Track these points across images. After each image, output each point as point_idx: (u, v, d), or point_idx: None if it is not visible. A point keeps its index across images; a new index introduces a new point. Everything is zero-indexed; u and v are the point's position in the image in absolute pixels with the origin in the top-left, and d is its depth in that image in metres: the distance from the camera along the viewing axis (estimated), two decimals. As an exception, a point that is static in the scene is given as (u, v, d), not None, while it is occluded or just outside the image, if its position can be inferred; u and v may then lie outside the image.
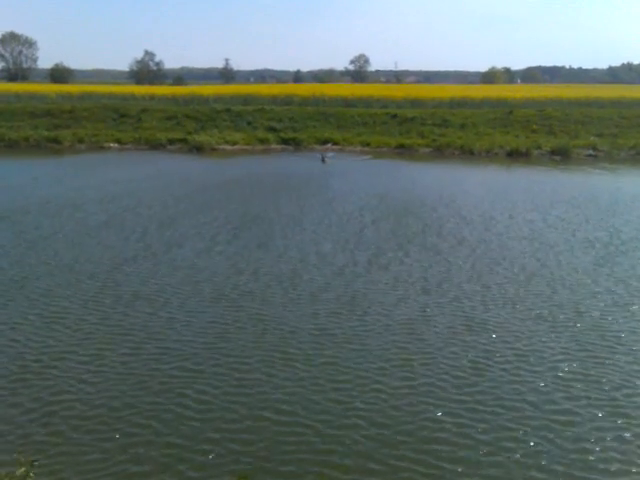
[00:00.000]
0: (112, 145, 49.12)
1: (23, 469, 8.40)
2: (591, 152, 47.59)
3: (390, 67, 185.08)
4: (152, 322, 14.43)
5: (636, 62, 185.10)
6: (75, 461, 9.39)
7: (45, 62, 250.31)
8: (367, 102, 64.27)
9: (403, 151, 48.06)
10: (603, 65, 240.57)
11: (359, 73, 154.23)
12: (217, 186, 32.48)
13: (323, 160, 41.53)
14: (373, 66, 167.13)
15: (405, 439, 9.99)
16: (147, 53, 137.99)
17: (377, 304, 15.66)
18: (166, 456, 9.52)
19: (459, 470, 9.24)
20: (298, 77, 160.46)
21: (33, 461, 8.80)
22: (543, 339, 13.68)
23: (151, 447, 9.73)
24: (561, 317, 14.94)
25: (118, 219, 24.43)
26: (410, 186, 33.21)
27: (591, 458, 9.55)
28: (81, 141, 49.40)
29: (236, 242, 21.37)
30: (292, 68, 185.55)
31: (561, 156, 46.22)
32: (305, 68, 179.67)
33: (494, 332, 14.01)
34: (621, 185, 34.79)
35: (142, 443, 9.82)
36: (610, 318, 14.93)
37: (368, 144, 49.61)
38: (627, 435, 10.14)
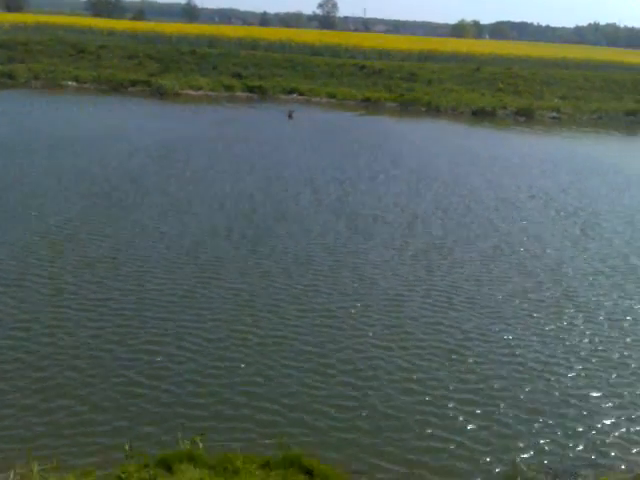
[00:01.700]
0: (70, 83, 47.16)
1: None
2: (555, 115, 48.02)
3: (359, 14, 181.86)
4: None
5: (602, 23, 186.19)
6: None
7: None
8: (335, 51, 63.15)
9: (369, 105, 47.56)
10: (570, 24, 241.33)
11: (327, 19, 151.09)
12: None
13: (290, 116, 39.53)
14: (342, 12, 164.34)
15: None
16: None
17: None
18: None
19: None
20: (265, 19, 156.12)
21: None
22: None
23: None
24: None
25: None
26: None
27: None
28: (37, 77, 47.23)
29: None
30: (259, 9, 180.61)
31: (525, 117, 46.54)
32: (272, 10, 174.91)
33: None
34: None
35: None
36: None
37: (334, 95, 48.91)
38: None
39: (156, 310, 12.76)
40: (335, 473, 8.42)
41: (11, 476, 8.05)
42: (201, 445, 8.75)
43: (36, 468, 8.12)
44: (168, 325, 12.16)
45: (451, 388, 10.69)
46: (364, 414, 9.88)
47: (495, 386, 10.84)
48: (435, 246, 17.51)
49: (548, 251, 17.67)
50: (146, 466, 8.27)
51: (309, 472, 8.38)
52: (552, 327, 13.11)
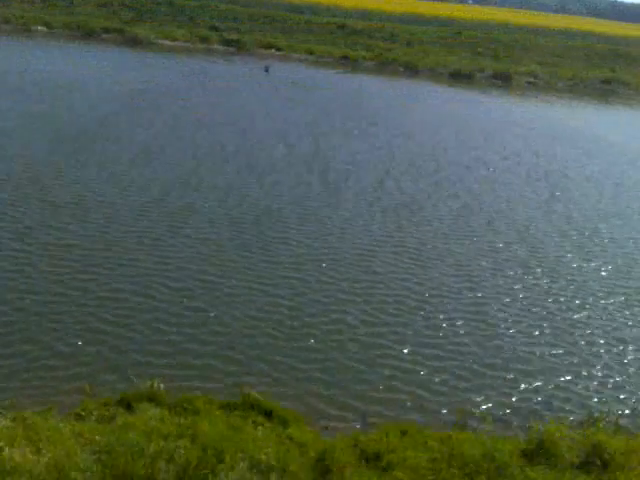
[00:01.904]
0: (40, 28, 45.63)
1: None
2: (531, 79, 48.01)
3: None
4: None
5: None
6: None
7: None
8: (315, 9, 62.12)
9: (346, 62, 46.94)
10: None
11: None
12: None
13: (266, 70, 39.39)
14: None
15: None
16: None
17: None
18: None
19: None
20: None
21: None
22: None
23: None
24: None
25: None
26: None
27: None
28: (7, 21, 45.62)
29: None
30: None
31: (502, 81, 46.44)
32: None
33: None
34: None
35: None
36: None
37: (312, 52, 48.17)
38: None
39: (122, 255, 12.63)
40: (293, 415, 8.51)
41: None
42: (162, 386, 8.76)
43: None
44: (133, 271, 12.05)
45: (413, 342, 10.82)
46: (324, 366, 9.96)
47: (457, 340, 11.00)
48: (405, 204, 17.51)
49: (517, 211, 17.83)
50: (106, 404, 8.27)
51: (268, 414, 8.45)
52: (518, 286, 13.30)
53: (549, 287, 13.38)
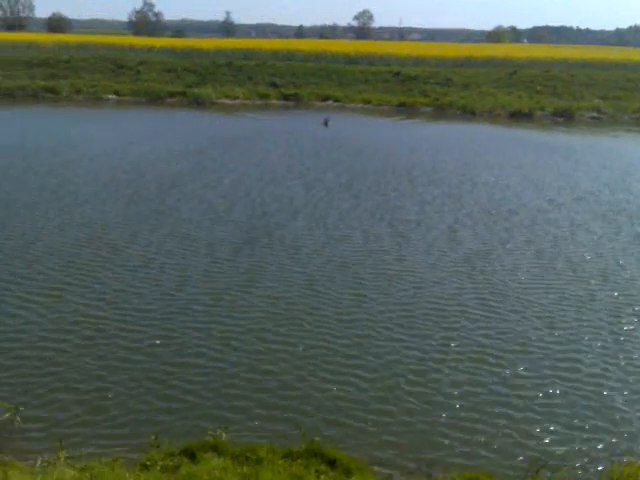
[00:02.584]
0: (110, 97, 48.30)
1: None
2: (595, 114, 47.03)
3: (394, 24, 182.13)
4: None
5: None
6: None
7: (42, 11, 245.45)
8: (370, 59, 63.24)
9: (404, 109, 47.36)
10: (610, 27, 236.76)
11: (362, 29, 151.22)
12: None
13: (326, 124, 38.43)
14: (377, 22, 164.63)
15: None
16: (146, 3, 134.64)
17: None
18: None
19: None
20: (300, 32, 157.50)
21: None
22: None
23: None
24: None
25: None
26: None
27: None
28: (79, 92, 48.53)
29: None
30: (294, 23, 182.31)
31: (564, 118, 45.68)
32: (307, 23, 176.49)
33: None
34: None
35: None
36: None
37: (369, 101, 48.91)
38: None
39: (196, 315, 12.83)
40: (356, 464, 8.30)
41: (37, 464, 8.17)
42: (224, 436, 8.75)
43: (63, 457, 8.23)
44: (210, 332, 12.07)
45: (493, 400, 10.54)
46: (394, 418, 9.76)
47: (544, 401, 10.68)
48: (478, 252, 17.25)
49: (599, 253, 17.42)
50: (171, 454, 8.32)
51: (331, 462, 8.28)
52: (609, 337, 12.82)
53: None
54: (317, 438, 8.70)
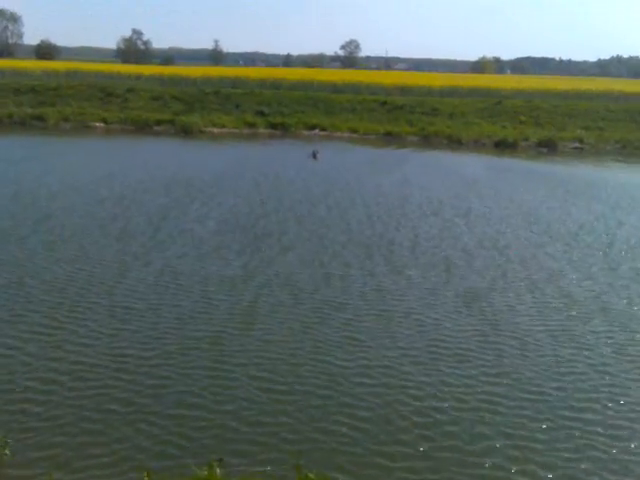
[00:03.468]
0: (98, 125, 48.53)
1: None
2: (577, 145, 47.89)
3: (381, 53, 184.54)
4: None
5: (625, 55, 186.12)
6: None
7: (31, 38, 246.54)
8: (356, 88, 63.98)
9: (391, 139, 47.98)
10: (592, 58, 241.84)
11: (349, 59, 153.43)
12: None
13: (314, 157, 37.08)
14: (364, 52, 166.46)
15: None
16: (135, 32, 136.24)
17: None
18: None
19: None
20: (288, 61, 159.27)
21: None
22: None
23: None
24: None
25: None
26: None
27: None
28: (66, 119, 48.72)
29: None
30: (282, 52, 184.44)
31: (548, 148, 46.47)
32: (295, 52, 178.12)
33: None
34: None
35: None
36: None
37: (356, 130, 49.50)
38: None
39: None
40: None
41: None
42: (218, 471, 8.72)
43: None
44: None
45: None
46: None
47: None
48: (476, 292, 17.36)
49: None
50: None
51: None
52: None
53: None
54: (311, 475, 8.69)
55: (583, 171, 37.83)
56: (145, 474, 8.46)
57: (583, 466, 9.30)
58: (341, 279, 16.70)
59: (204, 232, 20.71)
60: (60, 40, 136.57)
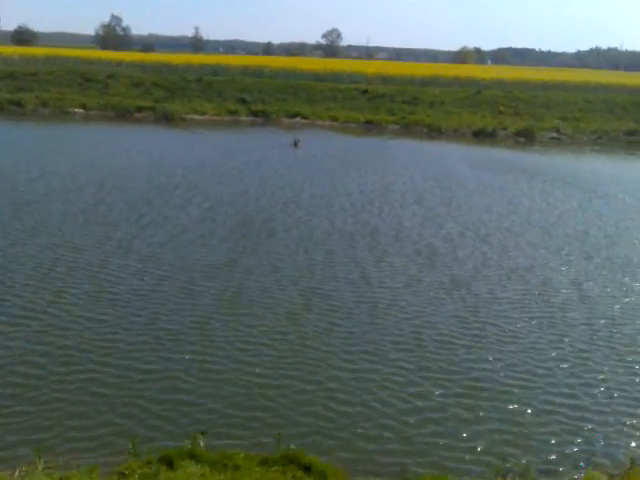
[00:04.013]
0: (77, 110, 48.01)
1: None
2: (555, 135, 48.49)
3: (362, 42, 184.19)
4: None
5: (604, 47, 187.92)
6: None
7: (7, 24, 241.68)
8: (338, 77, 63.96)
9: (371, 127, 48.15)
10: (572, 49, 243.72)
11: (331, 48, 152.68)
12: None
13: (296, 145, 37.04)
14: (345, 41, 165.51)
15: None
16: (114, 17, 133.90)
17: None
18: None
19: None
20: (269, 49, 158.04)
21: None
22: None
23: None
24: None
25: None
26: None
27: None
28: (45, 105, 48.15)
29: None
30: (263, 39, 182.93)
31: (525, 138, 47.00)
32: (276, 40, 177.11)
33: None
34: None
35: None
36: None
37: (336, 119, 49.61)
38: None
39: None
40: (332, 469, 8.53)
41: (16, 473, 8.21)
42: (202, 443, 8.90)
43: (41, 466, 8.28)
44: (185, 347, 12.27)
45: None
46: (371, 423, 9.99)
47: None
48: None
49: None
50: (149, 463, 8.44)
51: (307, 468, 8.50)
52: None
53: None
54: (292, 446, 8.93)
55: (560, 161, 38.41)
56: (130, 443, 8.57)
57: (569, 450, 9.63)
58: (325, 266, 16.88)
59: (187, 220, 20.73)
60: (38, 26, 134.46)
